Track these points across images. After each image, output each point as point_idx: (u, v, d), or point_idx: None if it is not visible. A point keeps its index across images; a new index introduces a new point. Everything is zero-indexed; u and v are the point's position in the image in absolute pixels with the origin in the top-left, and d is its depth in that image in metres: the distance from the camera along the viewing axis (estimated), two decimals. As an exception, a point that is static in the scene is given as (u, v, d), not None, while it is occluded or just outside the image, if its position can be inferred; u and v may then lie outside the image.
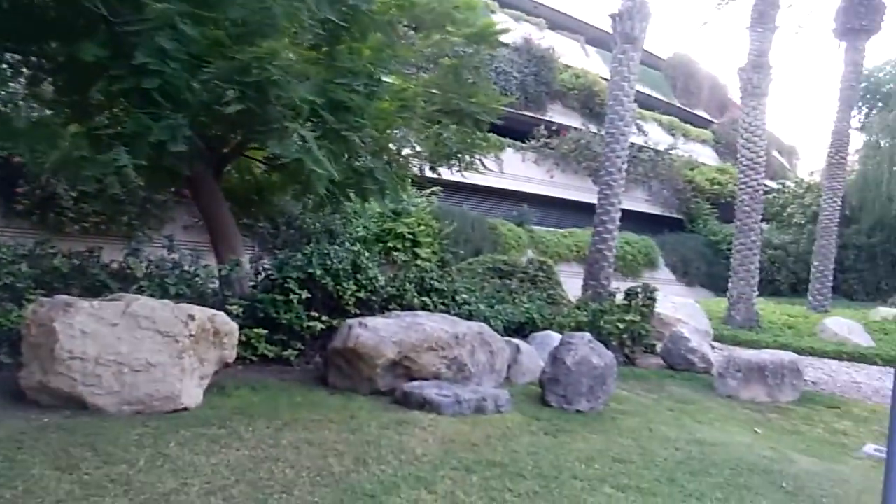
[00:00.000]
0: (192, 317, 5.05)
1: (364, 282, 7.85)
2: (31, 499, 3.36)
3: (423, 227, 14.75)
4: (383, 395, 6.14)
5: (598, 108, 23.66)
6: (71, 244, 8.52)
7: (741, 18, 15.74)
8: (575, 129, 24.72)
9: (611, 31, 13.51)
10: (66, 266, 6.70)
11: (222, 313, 5.54)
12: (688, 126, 30.95)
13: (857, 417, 8.28)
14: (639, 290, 10.85)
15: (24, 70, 6.87)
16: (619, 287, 11.70)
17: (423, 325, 6.55)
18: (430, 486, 4.03)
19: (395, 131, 9.24)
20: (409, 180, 11.36)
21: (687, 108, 32.74)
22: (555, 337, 8.59)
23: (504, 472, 4.43)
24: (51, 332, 4.69)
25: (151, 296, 6.00)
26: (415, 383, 6.04)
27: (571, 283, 14.21)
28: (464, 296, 9.21)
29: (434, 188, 16.14)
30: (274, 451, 4.27)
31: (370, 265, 8.06)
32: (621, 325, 9.99)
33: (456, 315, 8.41)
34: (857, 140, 25.15)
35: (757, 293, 16.08)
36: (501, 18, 19.86)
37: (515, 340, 8.19)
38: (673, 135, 29.09)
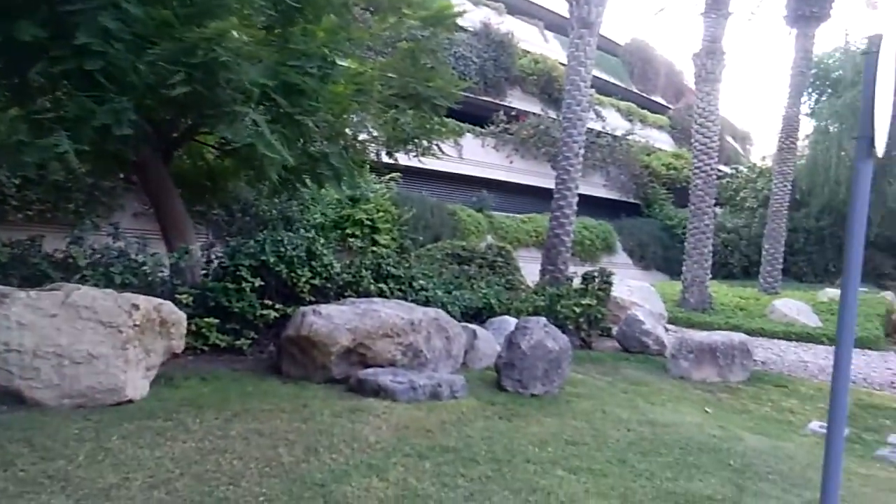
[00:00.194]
0: (136, 306, 4.90)
1: (319, 269, 7.74)
2: (-39, 498, 3.23)
3: (381, 214, 14.63)
4: (338, 383, 6.08)
5: (557, 94, 23.72)
6: (14, 233, 8.21)
7: (696, 4, 16.02)
8: (534, 114, 24.77)
9: (568, 15, 13.52)
10: (6, 255, 6.44)
11: (169, 302, 5.40)
12: (645, 112, 31.30)
13: (804, 396, 8.54)
14: (595, 274, 10.97)
15: (-43, 52, 6.54)
16: (577, 272, 11.82)
17: (379, 312, 6.49)
18: (381, 473, 4.01)
19: (352, 116, 9.11)
20: (367, 166, 11.23)
21: (644, 94, 33.10)
22: (512, 322, 8.61)
23: (457, 458, 4.43)
24: (-15, 325, 4.50)
25: (95, 285, 5.81)
26: (369, 370, 5.99)
27: (531, 269, 14.31)
28: (421, 282, 9.17)
29: (393, 174, 16.01)
30: (222, 443, 4.18)
31: (325, 252, 7.95)
32: (578, 310, 10.09)
33: (413, 301, 8.37)
34: (807, 126, 25.82)
35: (710, 276, 16.42)
36: (459, 1, 19.75)
37: (472, 326, 8.20)
38: (630, 120, 29.40)
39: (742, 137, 39.49)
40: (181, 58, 5.99)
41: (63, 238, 7.36)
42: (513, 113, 24.24)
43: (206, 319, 6.66)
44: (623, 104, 29.72)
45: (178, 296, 6.44)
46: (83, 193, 11.50)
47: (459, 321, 8.48)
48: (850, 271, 3.47)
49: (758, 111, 78.61)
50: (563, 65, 20.91)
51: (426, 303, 8.59)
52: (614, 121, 28.18)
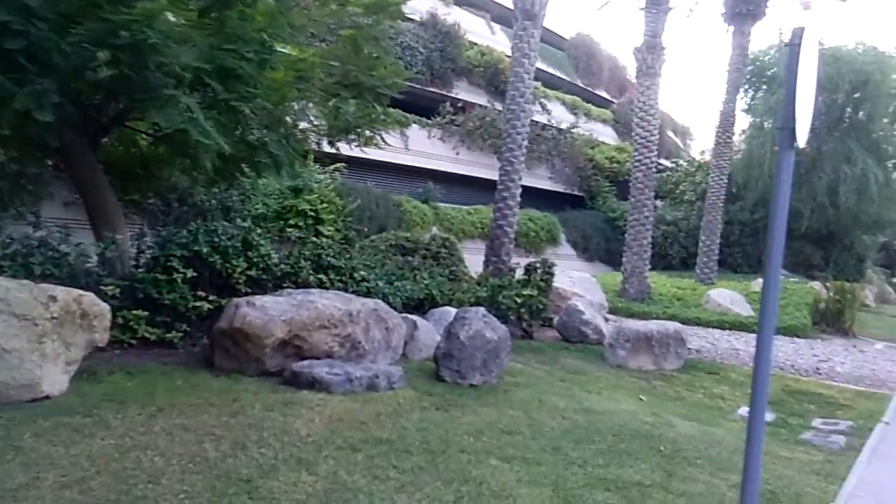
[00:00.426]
0: (53, 298, 4.67)
1: (256, 259, 7.56)
2: None
3: (326, 205, 14.41)
4: (272, 375, 5.94)
5: (503, 86, 23.73)
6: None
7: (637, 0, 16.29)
8: (481, 106, 24.82)
9: (513, 7, 13.55)
10: (-85, 246, 6.06)
11: (91, 294, 5.16)
12: (589, 106, 31.74)
13: (735, 382, 8.81)
14: (538, 265, 11.07)
15: None
16: (522, 263, 11.90)
17: (316, 303, 6.38)
18: (311, 467, 3.93)
19: (292, 104, 8.91)
20: (311, 156, 11.03)
21: (589, 88, 33.56)
22: (453, 313, 8.60)
23: (391, 450, 4.39)
24: None
25: (13, 276, 5.51)
26: (304, 362, 5.88)
27: (476, 260, 14.33)
28: (362, 273, 9.06)
29: (337, 164, 15.80)
30: (144, 439, 4.03)
31: (262, 242, 7.77)
32: (519, 300, 10.17)
33: (354, 292, 8.28)
34: (743, 121, 26.65)
35: (649, 267, 16.80)
36: (405, -9, 19.61)
37: (413, 317, 8.16)
38: (575, 114, 29.77)
39: (683, 132, 40.51)
40: (107, 39, 5.75)
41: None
42: (459, 104, 24.24)
43: (135, 312, 6.41)
44: (568, 98, 30.08)
45: (103, 287, 6.17)
46: (7, 181, 10.94)
47: (401, 312, 8.43)
48: (772, 261, 3.56)
49: (699, 107, 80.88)
50: (510, 57, 21.02)
51: (367, 294, 8.50)
52: (559, 114, 28.49)
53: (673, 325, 9.46)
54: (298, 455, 4.08)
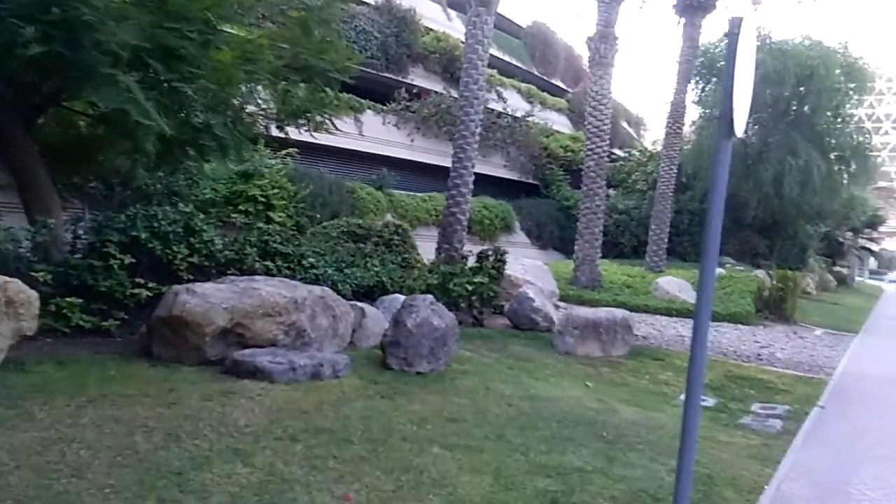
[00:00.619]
0: (-26, 285, 4.45)
1: (198, 245, 7.36)
2: None
3: (277, 190, 14.16)
4: (213, 365, 5.79)
5: (459, 73, 23.62)
6: None
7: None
8: (436, 93, 24.67)
9: (468, -7, 13.47)
10: None
11: (17, 280, 4.93)
12: (545, 94, 31.89)
13: (679, 368, 8.97)
14: (490, 252, 11.07)
15: None
16: (475, 250, 11.89)
17: (259, 290, 6.24)
18: (247, 458, 3.83)
19: (241, 87, 8.66)
20: (261, 140, 10.77)
21: (544, 77, 33.69)
22: (403, 300, 8.55)
23: (331, 439, 4.32)
24: None
25: (-66, 262, 5.24)
26: (247, 351, 5.75)
27: (431, 247, 14.28)
28: (311, 259, 8.92)
29: (289, 149, 15.51)
30: (70, 431, 3.87)
31: (205, 227, 7.56)
32: (470, 287, 10.17)
33: (302, 279, 8.14)
34: (694, 112, 27.14)
35: (600, 255, 17.02)
36: (359, -26, 19.34)
37: (361, 304, 8.07)
38: (531, 102, 29.87)
39: (636, 122, 41.08)
40: (37, 14, 5.48)
41: None
42: (415, 91, 24.05)
43: (68, 299, 6.17)
44: (524, 86, 30.15)
45: (34, 273, 5.91)
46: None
47: (350, 299, 8.33)
48: (708, 249, 3.58)
49: (652, 97, 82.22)
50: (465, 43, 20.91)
51: (316, 281, 8.37)
52: (515, 102, 28.55)
53: (620, 313, 9.59)
54: (235, 446, 3.98)
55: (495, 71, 27.12)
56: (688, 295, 15.49)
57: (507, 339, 9.39)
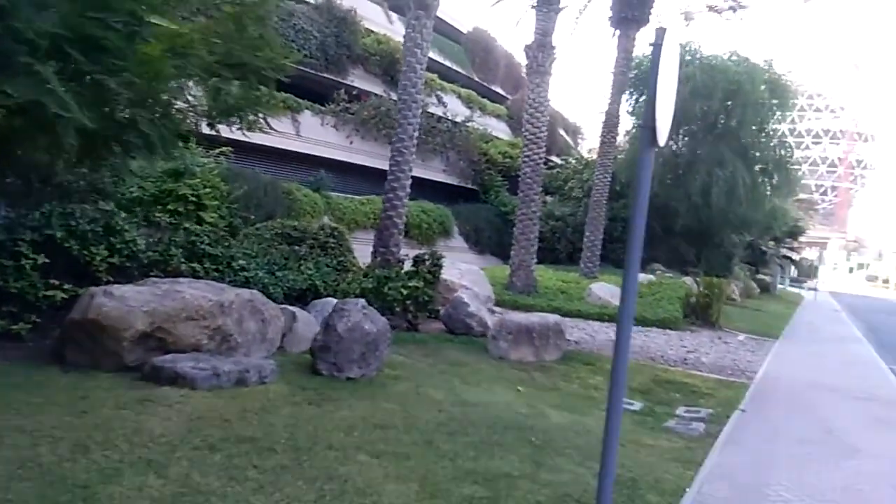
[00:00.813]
0: None
1: (119, 245, 7.06)
2: None
3: (209, 190, 13.73)
4: (131, 371, 5.54)
5: (399, 76, 23.66)
6: None
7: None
8: (376, 95, 24.53)
9: (408, -4, 13.43)
10: None
11: (-89, 281, 4.60)
12: (485, 100, 32.18)
13: (609, 372, 9.13)
14: (426, 257, 11.03)
15: None
16: (413, 255, 11.82)
17: (183, 293, 6.02)
18: (161, 469, 3.66)
19: (170, 82, 8.35)
20: (193, 138, 10.44)
21: (485, 84, 34.01)
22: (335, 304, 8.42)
23: (253, 448, 4.18)
24: None
25: None
26: (167, 356, 5.53)
27: (368, 251, 14.13)
28: (241, 262, 8.69)
29: (224, 148, 15.09)
30: (-34, 444, 3.62)
31: (127, 227, 7.25)
32: (405, 292, 10.09)
33: (231, 282, 7.92)
34: (628, 123, 27.87)
35: (536, 260, 17.21)
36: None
37: (293, 308, 7.90)
38: (470, 108, 30.09)
39: (574, 131, 41.88)
40: (-64, -3, 5.12)
41: None
42: (354, 92, 23.84)
43: (-26, 301, 5.81)
44: (464, 91, 30.34)
45: (-66, 274, 5.54)
46: None
47: (282, 303, 8.15)
48: (631, 256, 3.66)
49: (589, 107, 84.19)
50: (405, 46, 20.84)
51: (246, 284, 8.16)
52: (455, 107, 28.69)
53: (553, 318, 9.70)
54: (148, 457, 3.79)
55: (436, 75, 27.19)
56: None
57: (442, 343, 9.36)
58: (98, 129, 7.01)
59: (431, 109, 26.31)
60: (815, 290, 38.91)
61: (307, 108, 21.48)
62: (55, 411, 4.28)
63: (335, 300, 8.92)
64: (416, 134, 13.31)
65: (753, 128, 25.55)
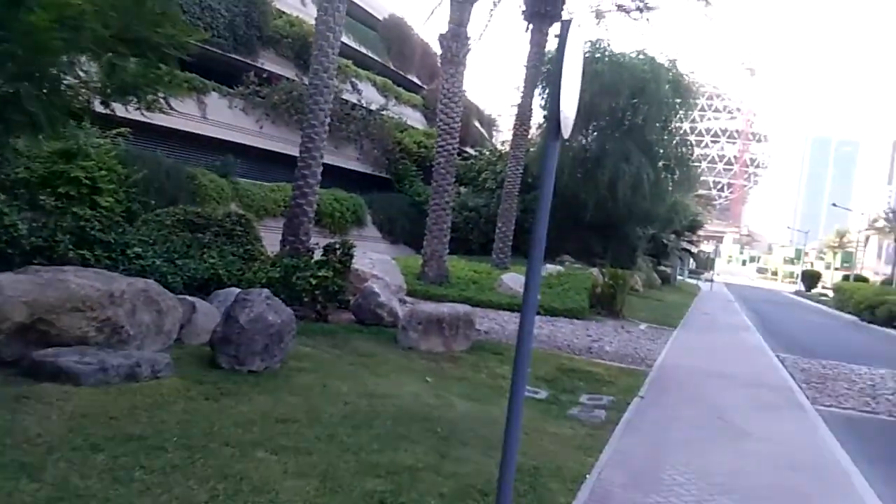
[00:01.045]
0: None
1: (-3, 231, 6.51)
2: None
3: (105, 173, 12.93)
4: (9, 366, 5.12)
5: (311, 60, 23.05)
6: None
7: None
8: (288, 79, 23.83)
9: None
10: None
11: None
12: (400, 89, 31.94)
13: (517, 362, 9.27)
14: (337, 246, 10.82)
15: None
16: (324, 244, 11.57)
17: (68, 282, 5.61)
18: (36, 472, 3.39)
19: (58, 56, 7.75)
20: (88, 117, 9.77)
21: (400, 72, 33.75)
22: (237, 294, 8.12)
23: (141, 447, 3.94)
24: None
25: None
26: (49, 350, 5.14)
27: (278, 239, 13.74)
28: (137, 249, 8.22)
29: (122, 129, 14.24)
30: None
31: (7, 210, 6.70)
32: (314, 281, 9.87)
33: (125, 271, 7.47)
34: (540, 116, 28.39)
35: (448, 251, 17.28)
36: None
37: (192, 298, 7.55)
38: (386, 96, 29.80)
39: (489, 122, 42.33)
40: None
41: None
42: (265, 75, 23.07)
43: None
44: (379, 79, 29.99)
45: None
46: None
47: (182, 293, 7.78)
48: (535, 246, 3.67)
49: (504, 99, 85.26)
50: (318, 30, 20.33)
51: (141, 272, 7.72)
52: (370, 95, 28.33)
53: (463, 308, 9.74)
54: (22, 459, 3.50)
55: (350, 62, 26.73)
56: (529, 291, 16.12)
57: (351, 334, 9.21)
58: (-24, 106, 6.45)
59: (346, 96, 25.86)
60: (711, 281, 41.16)
61: (214, 90, 20.62)
62: (-87, 412, 3.89)
63: (239, 290, 8.62)
64: (328, 120, 13.02)
65: (658, 125, 26.63)
